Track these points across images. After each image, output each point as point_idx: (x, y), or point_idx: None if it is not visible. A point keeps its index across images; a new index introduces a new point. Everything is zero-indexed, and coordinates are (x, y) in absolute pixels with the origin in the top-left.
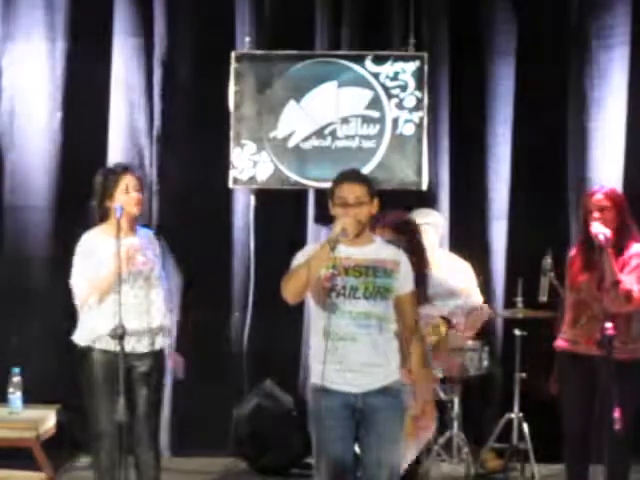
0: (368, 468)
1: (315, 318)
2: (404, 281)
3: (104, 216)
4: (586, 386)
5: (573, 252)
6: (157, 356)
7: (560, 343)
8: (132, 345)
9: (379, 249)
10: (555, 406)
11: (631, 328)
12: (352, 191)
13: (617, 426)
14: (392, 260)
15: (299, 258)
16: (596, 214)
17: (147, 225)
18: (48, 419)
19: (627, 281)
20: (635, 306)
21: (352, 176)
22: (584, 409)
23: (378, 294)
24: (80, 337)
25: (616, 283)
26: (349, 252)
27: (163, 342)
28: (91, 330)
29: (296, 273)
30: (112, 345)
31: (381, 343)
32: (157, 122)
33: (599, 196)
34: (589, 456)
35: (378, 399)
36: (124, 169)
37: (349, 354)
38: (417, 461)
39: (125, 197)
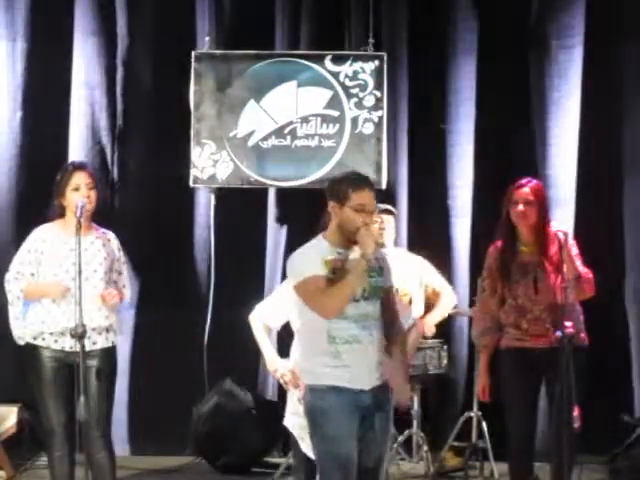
0: (369, 463)
1: (315, 323)
2: (387, 276)
3: (60, 213)
4: (531, 384)
5: (498, 245)
6: (104, 354)
7: (505, 342)
8: (71, 344)
9: None
10: None
11: (572, 318)
12: (372, 198)
13: (576, 425)
14: (378, 257)
15: (297, 261)
16: (520, 207)
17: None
18: (8, 418)
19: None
20: (594, 291)
21: (370, 183)
22: (529, 408)
23: (374, 294)
24: (20, 334)
25: (578, 277)
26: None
27: (109, 340)
28: (30, 327)
29: (339, 291)
30: (58, 343)
31: (378, 341)
32: (118, 121)
33: (526, 189)
34: (533, 455)
35: (381, 395)
36: (75, 167)
37: (355, 357)
38: None
39: (74, 195)
